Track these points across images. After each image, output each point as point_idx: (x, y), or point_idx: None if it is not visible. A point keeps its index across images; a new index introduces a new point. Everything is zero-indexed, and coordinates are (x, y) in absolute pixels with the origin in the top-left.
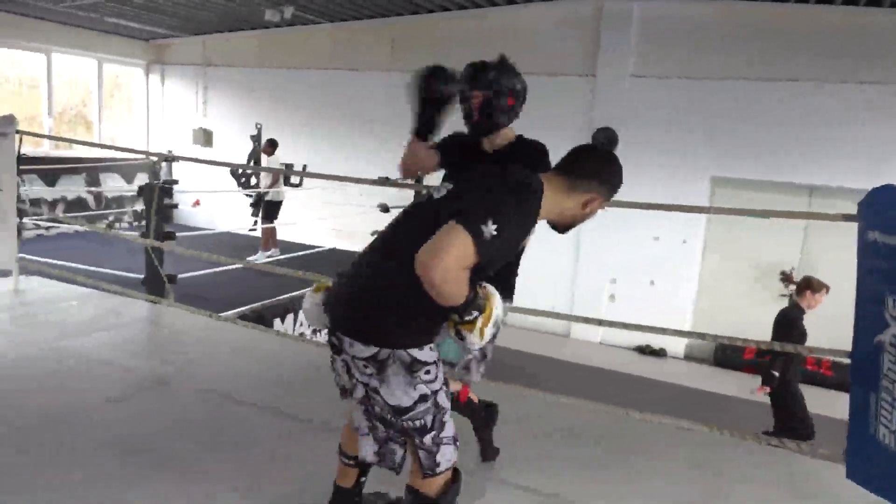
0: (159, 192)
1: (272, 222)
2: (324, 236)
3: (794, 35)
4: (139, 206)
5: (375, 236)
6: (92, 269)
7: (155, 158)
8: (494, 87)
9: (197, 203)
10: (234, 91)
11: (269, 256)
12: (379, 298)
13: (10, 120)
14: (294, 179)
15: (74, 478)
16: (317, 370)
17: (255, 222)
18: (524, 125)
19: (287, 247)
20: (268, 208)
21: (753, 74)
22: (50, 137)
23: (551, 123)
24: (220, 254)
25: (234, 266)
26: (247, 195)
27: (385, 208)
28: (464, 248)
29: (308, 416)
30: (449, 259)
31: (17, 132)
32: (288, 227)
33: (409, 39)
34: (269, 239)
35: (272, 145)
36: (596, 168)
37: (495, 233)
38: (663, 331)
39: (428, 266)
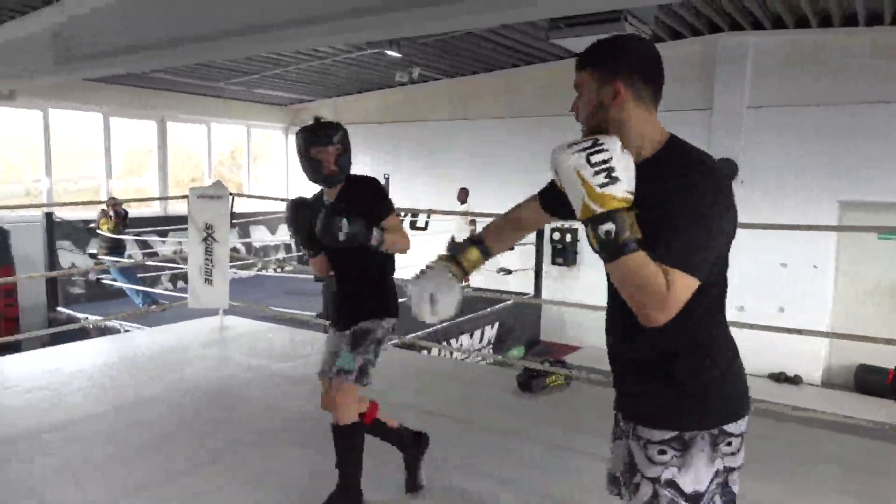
0: None
1: None
2: None
3: None
4: (281, 255)
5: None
6: (273, 308)
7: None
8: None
9: None
10: (362, 145)
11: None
12: None
13: (221, 185)
14: (420, 223)
15: (295, 476)
16: (498, 388)
17: None
18: None
19: None
20: None
21: (875, 97)
22: (257, 197)
23: None
24: None
25: None
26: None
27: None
28: None
29: (504, 427)
30: None
31: (231, 195)
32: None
33: (518, 88)
34: None
35: (466, 193)
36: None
37: None
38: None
39: None
